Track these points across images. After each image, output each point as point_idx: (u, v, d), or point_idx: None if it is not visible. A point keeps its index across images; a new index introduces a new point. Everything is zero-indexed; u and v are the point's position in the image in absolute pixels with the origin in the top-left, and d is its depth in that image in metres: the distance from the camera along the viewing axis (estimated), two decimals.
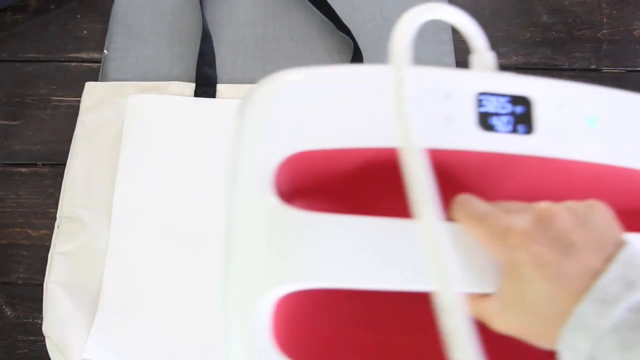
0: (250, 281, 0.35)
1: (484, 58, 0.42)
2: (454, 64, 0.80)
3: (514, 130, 0.39)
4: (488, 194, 0.38)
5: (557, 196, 0.36)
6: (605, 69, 0.81)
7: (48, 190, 0.74)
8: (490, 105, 0.39)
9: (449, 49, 0.81)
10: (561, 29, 0.84)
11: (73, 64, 0.82)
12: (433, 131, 0.38)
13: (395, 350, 0.40)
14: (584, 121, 0.40)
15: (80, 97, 0.78)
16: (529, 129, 0.39)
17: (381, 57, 0.80)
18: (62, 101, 0.80)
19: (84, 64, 0.82)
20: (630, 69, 0.81)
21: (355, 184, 0.39)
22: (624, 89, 0.86)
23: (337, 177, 0.39)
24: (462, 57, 0.82)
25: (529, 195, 0.37)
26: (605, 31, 0.84)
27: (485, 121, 0.39)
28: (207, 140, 0.67)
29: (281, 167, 0.36)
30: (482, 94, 0.39)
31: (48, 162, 0.75)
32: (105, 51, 0.82)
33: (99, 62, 0.82)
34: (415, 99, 0.35)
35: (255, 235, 0.35)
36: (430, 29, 0.82)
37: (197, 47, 0.80)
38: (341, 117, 0.37)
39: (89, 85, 0.79)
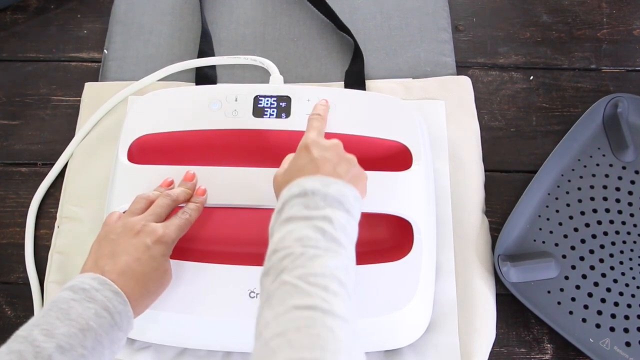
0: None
1: (275, 78, 0.72)
2: (454, 62, 0.80)
3: (278, 116, 0.67)
4: (268, 146, 0.66)
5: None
6: (605, 69, 0.81)
7: (48, 190, 0.74)
8: (264, 102, 0.67)
9: (449, 48, 0.81)
10: (561, 28, 0.84)
11: (73, 63, 0.82)
12: (225, 119, 0.66)
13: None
14: None
15: (80, 97, 0.78)
16: (287, 115, 0.67)
17: (381, 56, 0.80)
18: (62, 101, 0.80)
19: (84, 64, 0.82)
20: (630, 68, 0.81)
21: (179, 151, 0.66)
22: (624, 88, 0.86)
23: (167, 149, 0.66)
24: (462, 56, 0.82)
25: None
26: (605, 31, 0.84)
27: (259, 112, 0.67)
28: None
29: (136, 142, 0.66)
30: (258, 96, 0.68)
31: (48, 162, 0.75)
32: (105, 51, 0.82)
33: (99, 62, 0.82)
34: (217, 101, 0.67)
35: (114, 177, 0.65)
36: (430, 28, 0.82)
37: (197, 47, 0.80)
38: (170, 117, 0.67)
39: (89, 85, 0.79)
